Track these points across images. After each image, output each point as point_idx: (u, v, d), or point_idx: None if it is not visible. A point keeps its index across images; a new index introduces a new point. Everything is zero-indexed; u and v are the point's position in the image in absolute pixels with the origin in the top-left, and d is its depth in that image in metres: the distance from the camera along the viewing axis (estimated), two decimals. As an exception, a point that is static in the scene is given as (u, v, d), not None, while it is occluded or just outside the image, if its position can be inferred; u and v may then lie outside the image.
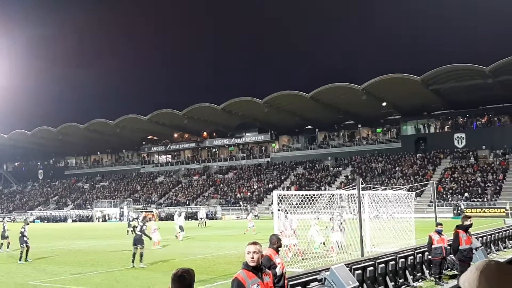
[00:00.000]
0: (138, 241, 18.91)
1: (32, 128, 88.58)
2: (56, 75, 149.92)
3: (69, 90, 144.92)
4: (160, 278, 15.74)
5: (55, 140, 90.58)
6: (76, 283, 15.25)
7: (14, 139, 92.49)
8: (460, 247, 12.31)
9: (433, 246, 13.67)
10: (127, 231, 34.94)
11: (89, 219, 72.28)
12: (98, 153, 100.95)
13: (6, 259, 22.74)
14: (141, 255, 18.66)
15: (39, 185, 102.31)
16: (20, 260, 21.26)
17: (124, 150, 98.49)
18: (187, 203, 73.36)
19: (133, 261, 18.55)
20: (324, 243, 20.50)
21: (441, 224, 14.38)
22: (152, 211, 69.02)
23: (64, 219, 73.93)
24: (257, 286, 5.52)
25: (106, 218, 70.27)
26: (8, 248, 26.87)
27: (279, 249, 8.04)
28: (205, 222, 42.55)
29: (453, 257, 13.85)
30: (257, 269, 5.67)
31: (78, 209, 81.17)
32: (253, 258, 5.65)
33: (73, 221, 72.80)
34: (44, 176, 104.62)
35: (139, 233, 19.56)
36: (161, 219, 65.50)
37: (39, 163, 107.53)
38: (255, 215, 54.38)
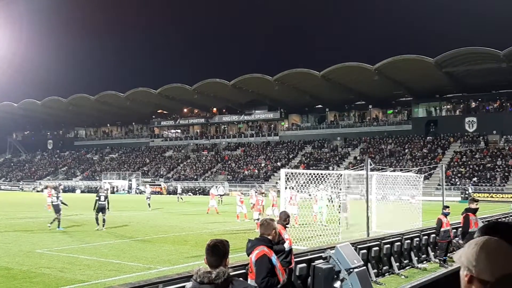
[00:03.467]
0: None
1: (43, 98, 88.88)
2: (68, 45, 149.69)
3: (81, 61, 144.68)
4: (166, 250, 15.87)
5: (65, 111, 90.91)
6: (83, 252, 15.41)
7: (24, 108, 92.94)
8: (470, 230, 12.30)
9: (442, 229, 13.64)
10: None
11: (98, 190, 72.88)
12: (108, 125, 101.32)
13: (13, 227, 23.00)
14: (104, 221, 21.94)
15: (48, 155, 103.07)
16: (59, 227, 21.88)
17: (133, 123, 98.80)
18: (195, 178, 73.69)
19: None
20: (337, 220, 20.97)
21: (448, 207, 14.33)
22: (160, 185, 69.54)
23: (73, 190, 74.61)
24: (275, 261, 5.91)
25: (115, 190, 70.79)
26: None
27: (287, 225, 8.15)
28: (222, 200, 42.95)
29: (459, 240, 13.83)
30: (273, 245, 6.12)
31: (86, 180, 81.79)
32: (275, 235, 6.16)
33: (82, 191, 73.45)
34: (53, 146, 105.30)
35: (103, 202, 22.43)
36: (169, 193, 65.99)
37: (48, 133, 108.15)
38: (262, 193, 54.48)
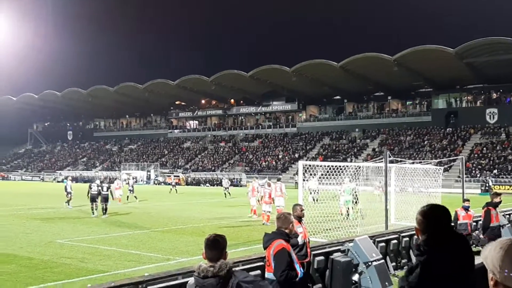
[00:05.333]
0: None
1: (63, 89, 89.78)
2: (88, 37, 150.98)
3: (100, 53, 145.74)
4: (185, 242, 16.00)
5: (85, 102, 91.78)
6: (103, 242, 15.60)
7: (44, 100, 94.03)
8: (491, 224, 12.16)
9: (458, 222, 13.50)
10: (225, 194, 39.95)
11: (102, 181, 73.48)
12: (127, 116, 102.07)
13: (34, 217, 23.37)
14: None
15: (68, 146, 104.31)
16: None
17: (152, 115, 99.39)
18: (213, 169, 73.98)
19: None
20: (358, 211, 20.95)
21: (468, 200, 14.17)
22: (178, 176, 69.91)
23: (92, 181, 75.41)
24: (293, 254, 6.00)
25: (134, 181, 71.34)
26: (69, 204, 27.98)
27: (302, 218, 8.14)
28: (229, 192, 41.63)
29: (480, 234, 13.69)
30: (290, 239, 6.20)
31: (106, 170, 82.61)
32: (292, 228, 6.24)
33: (101, 182, 74.10)
34: (73, 137, 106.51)
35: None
36: (187, 184, 66.37)
37: (68, 124, 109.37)
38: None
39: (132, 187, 35.20)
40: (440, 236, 2.99)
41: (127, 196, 33.63)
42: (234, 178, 64.46)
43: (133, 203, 32.28)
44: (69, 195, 28.32)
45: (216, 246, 3.80)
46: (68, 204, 28.31)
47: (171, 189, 46.79)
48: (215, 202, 34.46)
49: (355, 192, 21.62)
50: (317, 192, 24.70)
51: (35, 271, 11.39)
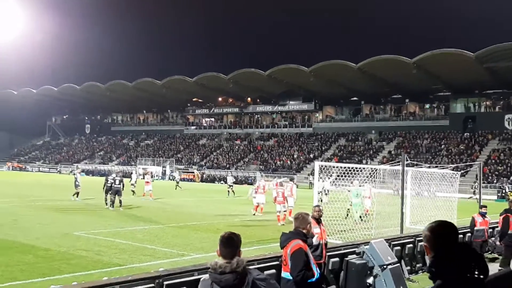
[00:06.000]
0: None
1: (82, 83, 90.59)
2: (108, 32, 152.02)
3: (119, 47, 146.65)
4: (199, 238, 16.09)
5: (103, 96, 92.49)
6: (119, 236, 15.75)
7: (63, 93, 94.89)
8: (509, 231, 12.07)
9: (475, 228, 13.41)
10: (228, 192, 38.12)
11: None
12: (144, 111, 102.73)
13: (51, 209, 23.65)
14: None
15: (86, 139, 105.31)
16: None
17: (169, 111, 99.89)
18: (228, 167, 74.15)
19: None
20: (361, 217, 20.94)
21: (485, 207, 14.06)
22: (193, 172, 70.27)
23: (109, 174, 76.01)
24: (310, 255, 6.04)
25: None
26: (77, 197, 28.16)
27: (321, 219, 8.17)
28: (233, 191, 38.10)
29: (496, 241, 13.58)
30: (307, 238, 6.22)
31: (122, 165, 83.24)
32: (310, 229, 6.28)
33: (116, 175, 74.61)
34: (91, 130, 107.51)
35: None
36: (202, 180, 66.62)
37: (86, 118, 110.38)
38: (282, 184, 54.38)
39: (136, 182, 35.14)
40: (449, 254, 2.97)
41: (133, 191, 33.39)
42: (249, 176, 64.58)
43: (133, 197, 31.94)
44: (78, 187, 28.35)
45: (230, 243, 3.84)
46: (77, 197, 28.29)
47: (228, 191, 39.53)
48: (225, 200, 34.54)
49: (363, 196, 21.71)
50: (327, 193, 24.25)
51: (51, 262, 11.56)
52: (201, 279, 3.94)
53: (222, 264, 3.70)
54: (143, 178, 37.85)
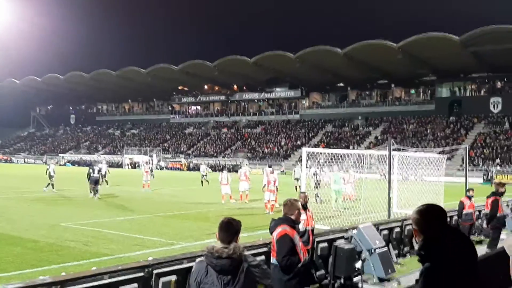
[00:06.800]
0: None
1: (66, 73, 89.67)
2: (91, 20, 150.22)
3: (103, 36, 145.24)
4: (188, 227, 16.08)
5: (88, 86, 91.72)
6: (106, 226, 15.68)
7: (47, 83, 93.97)
8: (498, 214, 12.21)
9: (464, 212, 13.52)
10: (201, 182, 35.64)
11: (119, 165, 73.70)
12: (129, 101, 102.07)
13: (37, 200, 23.49)
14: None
15: (71, 130, 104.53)
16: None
17: (155, 99, 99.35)
18: (215, 155, 74.07)
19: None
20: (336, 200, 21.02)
21: (472, 190, 14.18)
22: (181, 161, 70.12)
23: (94, 164, 75.57)
24: (297, 240, 6.00)
25: (136, 165, 71.58)
26: (53, 188, 27.78)
27: (307, 205, 8.22)
28: (207, 181, 36.07)
29: (482, 223, 13.73)
30: (295, 224, 6.20)
31: (108, 154, 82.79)
32: (298, 215, 6.19)
33: (92, 165, 74.19)
34: (75, 121, 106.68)
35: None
36: (189, 169, 66.51)
37: (71, 108, 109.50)
38: (282, 171, 54.64)
39: (107, 171, 33.01)
40: (438, 237, 2.99)
41: (106, 181, 32.00)
42: (236, 164, 64.54)
43: (104, 187, 30.77)
44: (52, 179, 27.99)
45: (228, 228, 3.89)
46: (53, 188, 27.78)
47: (201, 181, 37.22)
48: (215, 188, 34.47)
49: (346, 181, 21.85)
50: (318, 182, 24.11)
51: (40, 253, 11.49)
52: (196, 260, 3.96)
53: (219, 249, 3.73)
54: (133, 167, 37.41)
